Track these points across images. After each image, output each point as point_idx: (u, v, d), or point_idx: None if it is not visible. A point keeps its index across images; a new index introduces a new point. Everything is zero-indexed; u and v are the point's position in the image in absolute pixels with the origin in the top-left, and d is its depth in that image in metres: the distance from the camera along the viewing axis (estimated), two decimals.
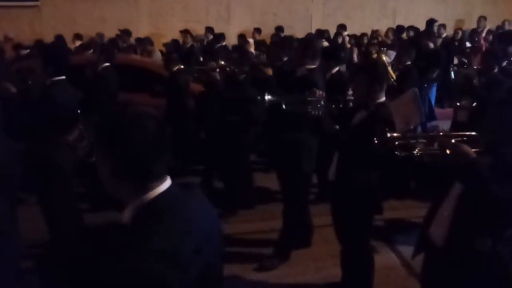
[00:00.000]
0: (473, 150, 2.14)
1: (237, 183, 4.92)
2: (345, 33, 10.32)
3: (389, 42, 9.34)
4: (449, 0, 12.40)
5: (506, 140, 2.13)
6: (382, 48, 7.17)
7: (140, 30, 10.45)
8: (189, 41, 9.53)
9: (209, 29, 9.99)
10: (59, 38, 8.87)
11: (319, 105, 3.24)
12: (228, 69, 4.94)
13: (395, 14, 12.25)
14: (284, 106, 3.40)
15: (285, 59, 6.04)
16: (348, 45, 9.61)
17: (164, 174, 1.34)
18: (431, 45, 7.90)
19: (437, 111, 8.46)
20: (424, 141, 2.36)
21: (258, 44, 9.05)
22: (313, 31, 10.55)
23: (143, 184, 1.29)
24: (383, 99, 3.02)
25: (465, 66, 6.63)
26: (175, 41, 9.25)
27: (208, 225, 1.40)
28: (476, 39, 9.76)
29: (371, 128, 2.70)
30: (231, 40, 9.96)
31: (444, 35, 10.05)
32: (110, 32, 9.81)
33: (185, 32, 9.73)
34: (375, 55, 6.42)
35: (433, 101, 7.66)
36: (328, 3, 11.91)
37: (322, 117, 3.21)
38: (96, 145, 1.31)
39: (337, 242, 3.46)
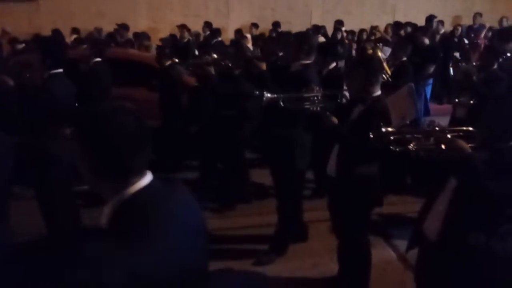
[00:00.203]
0: (468, 145, 2.14)
1: (233, 177, 4.92)
2: (343, 29, 10.31)
3: (388, 38, 9.33)
4: None
5: (503, 136, 2.13)
6: (377, 44, 7.14)
7: (138, 25, 10.42)
8: (186, 36, 9.50)
9: (207, 24, 9.97)
10: (56, 32, 8.84)
11: (317, 101, 3.24)
12: (222, 63, 4.93)
13: (394, 10, 12.24)
14: (282, 104, 3.37)
15: (280, 54, 6.04)
16: (346, 41, 9.60)
17: (145, 169, 1.33)
18: (427, 41, 7.89)
19: (436, 107, 8.48)
20: (420, 136, 2.37)
21: (256, 39, 9.03)
22: None
23: (122, 179, 1.28)
24: (379, 92, 3.05)
25: (461, 63, 6.61)
26: (172, 36, 9.23)
27: (190, 219, 1.38)
28: (472, 35, 9.76)
29: (369, 121, 2.72)
30: (230, 35, 9.95)
31: (442, 31, 10.05)
32: (108, 27, 9.79)
33: (182, 27, 9.71)
34: (370, 51, 6.41)
35: (428, 97, 7.65)
36: None
37: (321, 113, 3.21)
38: (75, 141, 1.30)
39: (334, 237, 3.47)
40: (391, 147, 2.42)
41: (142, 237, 1.20)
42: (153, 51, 8.25)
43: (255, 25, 10.43)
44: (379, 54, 6.01)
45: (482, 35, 9.77)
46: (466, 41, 9.72)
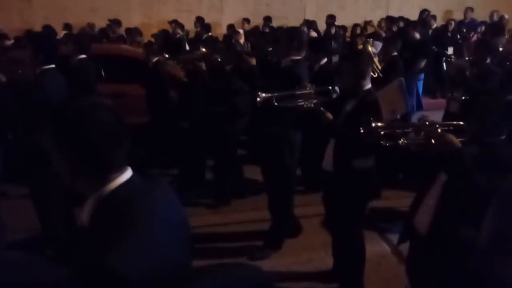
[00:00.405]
0: (459, 139, 2.15)
1: (227, 173, 4.92)
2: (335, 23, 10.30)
3: (382, 33, 9.34)
4: None
5: (493, 130, 2.14)
6: (368, 39, 7.13)
7: (131, 20, 10.34)
8: (178, 32, 9.45)
9: (199, 19, 9.92)
10: (47, 28, 8.76)
11: (310, 98, 3.23)
12: (212, 58, 4.92)
13: (388, 5, 12.24)
14: (275, 102, 3.35)
15: (270, 49, 6.03)
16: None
17: (124, 165, 1.32)
18: (418, 35, 7.89)
19: (429, 101, 8.51)
20: (410, 130, 2.36)
21: (248, 34, 9.01)
22: None
23: (102, 175, 1.27)
24: (369, 85, 3.08)
25: (450, 58, 6.63)
26: (164, 31, 9.17)
27: (172, 214, 1.38)
28: (465, 30, 9.78)
29: (362, 115, 2.72)
30: (225, 30, 9.89)
31: (434, 26, 10.07)
32: (101, 22, 9.71)
33: (173, 23, 9.66)
34: (360, 46, 6.42)
35: (420, 92, 7.65)
36: None
37: (315, 109, 3.21)
38: (53, 138, 1.28)
39: (328, 232, 3.48)
40: (381, 142, 2.42)
41: (124, 232, 1.19)
42: None
43: (247, 20, 10.40)
44: (370, 49, 6.01)
45: (480, 29, 9.77)
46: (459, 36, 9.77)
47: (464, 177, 2.06)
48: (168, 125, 5.56)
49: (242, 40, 8.00)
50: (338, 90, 3.49)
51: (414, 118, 5.81)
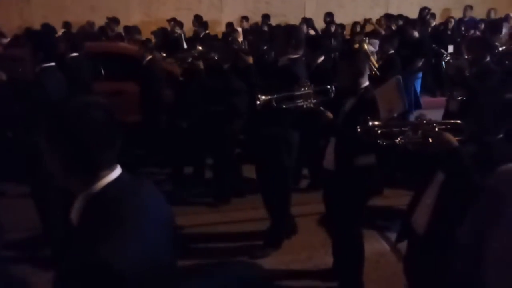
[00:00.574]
0: (456, 138, 2.14)
1: (227, 172, 4.92)
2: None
3: (382, 30, 9.33)
4: None
5: (491, 129, 2.14)
6: (363, 38, 7.10)
7: (131, 19, 10.33)
8: (177, 30, 9.43)
9: (197, 17, 9.89)
10: (46, 26, 8.73)
11: (310, 98, 3.22)
12: (209, 57, 4.90)
13: (388, 3, 12.22)
14: (275, 104, 3.32)
15: (264, 48, 6.03)
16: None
17: (114, 163, 1.34)
18: (416, 34, 7.87)
19: (429, 100, 8.51)
20: (407, 129, 2.35)
21: (246, 32, 8.99)
22: None
23: (92, 173, 1.29)
24: (367, 83, 3.09)
25: (446, 56, 6.62)
26: (163, 29, 9.15)
27: (159, 212, 1.40)
28: (463, 28, 9.77)
29: (362, 112, 2.73)
30: (224, 28, 9.88)
31: (433, 24, 10.06)
32: (100, 21, 9.69)
33: (172, 21, 9.64)
34: (356, 45, 6.41)
35: (418, 90, 7.64)
36: None
37: (315, 109, 3.20)
38: (44, 136, 1.29)
39: (328, 230, 3.48)
40: (379, 141, 2.41)
41: (114, 230, 1.21)
42: None
43: (245, 18, 10.37)
44: (366, 47, 6.00)
45: (480, 27, 9.76)
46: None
47: (461, 176, 2.06)
48: (162, 124, 5.54)
49: (240, 39, 7.97)
50: (334, 89, 3.47)
51: (413, 117, 5.82)
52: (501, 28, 7.26)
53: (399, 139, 2.31)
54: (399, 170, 5.35)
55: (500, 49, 5.99)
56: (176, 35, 9.17)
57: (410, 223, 2.39)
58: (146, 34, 8.67)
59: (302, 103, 3.22)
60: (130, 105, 5.51)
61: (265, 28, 9.48)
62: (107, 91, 5.37)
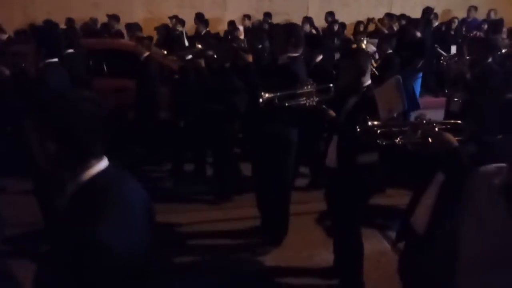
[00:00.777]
0: (456, 138, 2.13)
1: (227, 170, 4.92)
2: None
3: (385, 30, 9.32)
4: None
5: (491, 129, 2.13)
6: (362, 38, 7.08)
7: (134, 16, 10.32)
8: (179, 28, 9.42)
9: (198, 15, 9.89)
10: (48, 22, 8.74)
11: (312, 96, 3.22)
12: (207, 55, 4.90)
13: (391, 2, 12.20)
14: (277, 102, 3.32)
15: (260, 46, 6.01)
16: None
17: (102, 154, 1.42)
18: (419, 34, 7.84)
19: (431, 100, 8.49)
20: (407, 129, 2.34)
21: (248, 30, 8.97)
22: None
23: (81, 164, 1.37)
24: (369, 81, 3.09)
25: (445, 56, 6.60)
26: (165, 26, 9.14)
27: (142, 203, 1.48)
28: (464, 28, 9.74)
29: (365, 111, 2.73)
30: (227, 26, 9.87)
31: (435, 24, 10.03)
32: (104, 17, 9.69)
33: (174, 18, 9.63)
34: (354, 46, 6.40)
35: (418, 91, 7.59)
36: None
37: (318, 107, 3.20)
38: (34, 127, 1.37)
39: (329, 228, 3.49)
40: (378, 141, 2.41)
41: (102, 214, 1.29)
42: None
43: (248, 17, 10.36)
44: (364, 46, 5.99)
45: (483, 28, 9.73)
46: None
47: (461, 176, 2.05)
48: (157, 121, 5.54)
49: (241, 37, 7.96)
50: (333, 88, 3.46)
51: (413, 117, 5.81)
52: (502, 28, 7.26)
53: (398, 139, 2.31)
54: (398, 170, 5.34)
55: (503, 50, 5.98)
56: (177, 32, 9.16)
57: (410, 223, 2.39)
58: (149, 31, 8.67)
59: (305, 101, 3.22)
60: (132, 102, 5.52)
61: (266, 27, 9.46)
62: (110, 88, 5.38)
